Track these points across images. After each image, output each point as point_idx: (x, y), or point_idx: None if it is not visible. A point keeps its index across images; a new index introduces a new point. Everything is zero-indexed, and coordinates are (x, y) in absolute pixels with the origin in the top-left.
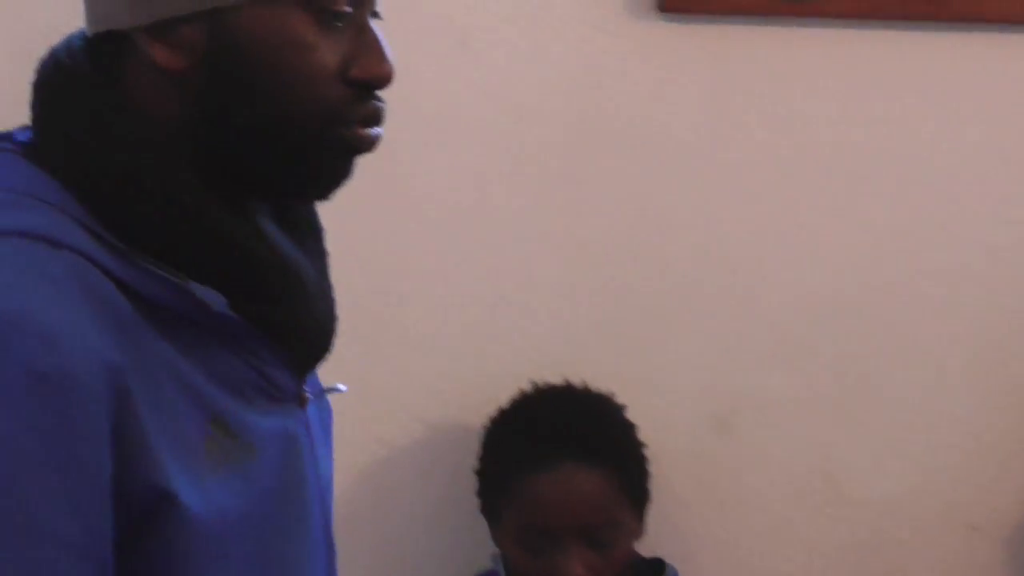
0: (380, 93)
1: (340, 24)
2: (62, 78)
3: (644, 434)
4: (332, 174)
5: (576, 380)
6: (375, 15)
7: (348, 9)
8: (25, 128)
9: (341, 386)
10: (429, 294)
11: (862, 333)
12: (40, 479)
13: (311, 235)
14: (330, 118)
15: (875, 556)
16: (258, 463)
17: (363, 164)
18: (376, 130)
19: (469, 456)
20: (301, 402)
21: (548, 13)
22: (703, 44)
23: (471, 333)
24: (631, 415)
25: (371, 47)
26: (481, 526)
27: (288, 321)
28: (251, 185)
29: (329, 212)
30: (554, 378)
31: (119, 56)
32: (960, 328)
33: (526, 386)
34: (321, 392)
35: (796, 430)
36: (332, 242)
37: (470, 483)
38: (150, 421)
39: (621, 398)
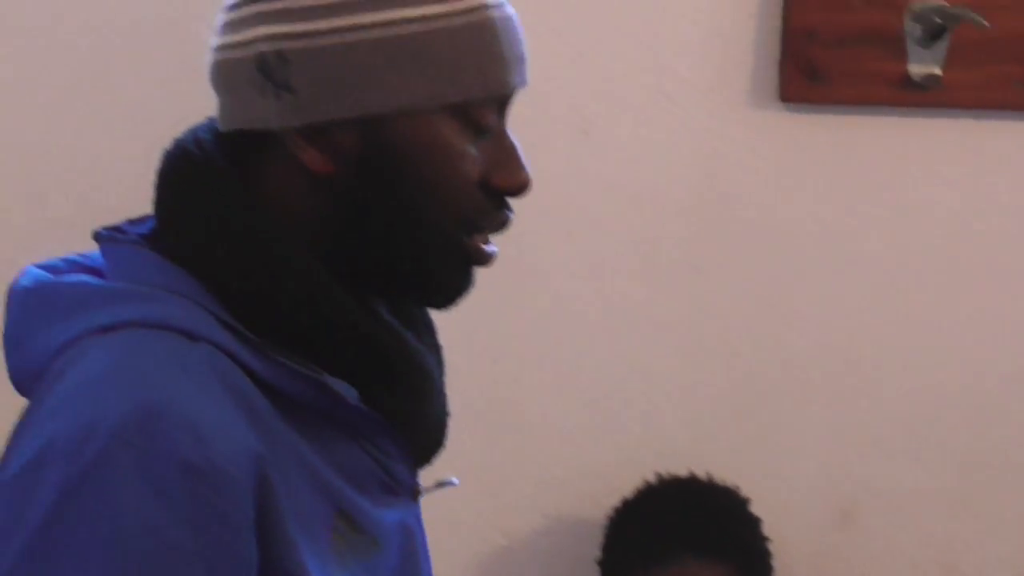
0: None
1: (486, 134)
2: (193, 171)
3: (767, 526)
4: (453, 281)
5: (700, 472)
6: None
7: (494, 122)
8: (135, 221)
9: (454, 479)
10: (551, 384)
11: (985, 424)
12: (192, 570)
13: (426, 330)
14: (464, 224)
15: None
16: (382, 557)
17: None
18: (493, 248)
19: (592, 547)
20: (415, 495)
21: (670, 102)
22: (824, 134)
23: (593, 424)
24: (754, 508)
25: (511, 157)
26: None
27: (414, 414)
28: (377, 285)
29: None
30: (678, 469)
31: (257, 152)
32: None
33: (650, 477)
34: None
35: (919, 522)
36: (453, 332)
37: (593, 575)
38: (287, 512)
39: (744, 490)
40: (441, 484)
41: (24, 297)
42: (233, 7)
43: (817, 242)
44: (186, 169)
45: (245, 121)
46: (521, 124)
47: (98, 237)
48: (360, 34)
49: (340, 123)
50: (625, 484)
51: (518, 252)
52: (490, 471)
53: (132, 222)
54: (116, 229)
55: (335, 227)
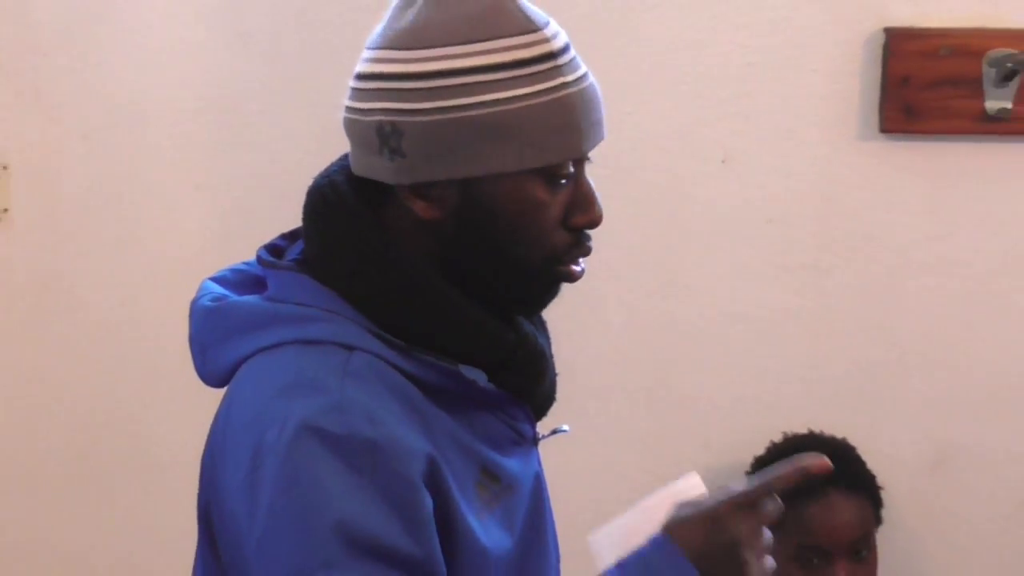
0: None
1: (564, 182)
2: (331, 211)
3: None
4: (544, 299)
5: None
6: (587, 160)
7: (571, 170)
8: (287, 235)
9: (565, 427)
10: (707, 367)
11: None
12: (383, 515)
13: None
14: (551, 259)
15: None
16: (517, 498)
17: (643, 257)
18: (580, 267)
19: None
20: (535, 443)
21: (794, 136)
22: (919, 159)
23: (736, 396)
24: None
25: (587, 197)
26: None
27: (531, 386)
28: (483, 302)
29: (605, 294)
30: (798, 429)
31: (380, 195)
32: None
33: (775, 438)
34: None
35: (1001, 469)
36: (604, 324)
37: None
38: (448, 476)
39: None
40: (555, 431)
41: (205, 314)
42: (360, 78)
43: (915, 246)
44: (325, 210)
45: (368, 172)
46: (668, 156)
47: (261, 261)
48: (459, 113)
49: (442, 182)
50: (757, 446)
51: (669, 258)
52: (654, 438)
53: (286, 236)
54: (274, 249)
55: (444, 259)
